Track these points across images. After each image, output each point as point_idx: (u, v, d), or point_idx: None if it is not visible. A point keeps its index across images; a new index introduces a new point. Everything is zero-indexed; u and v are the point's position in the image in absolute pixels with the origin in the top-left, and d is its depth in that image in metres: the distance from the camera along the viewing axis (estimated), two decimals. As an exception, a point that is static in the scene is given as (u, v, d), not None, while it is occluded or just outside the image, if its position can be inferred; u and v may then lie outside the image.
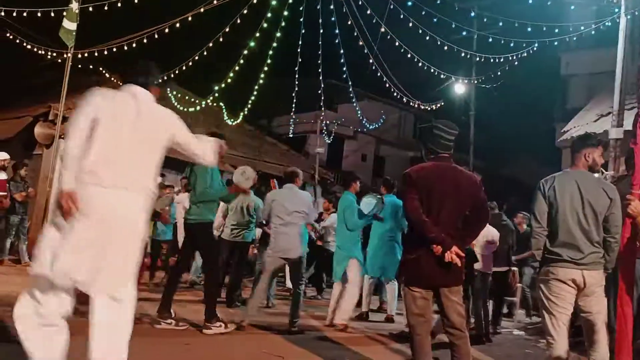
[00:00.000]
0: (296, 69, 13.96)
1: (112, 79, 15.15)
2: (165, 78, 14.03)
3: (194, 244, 5.82)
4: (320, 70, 13.95)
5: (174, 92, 17.20)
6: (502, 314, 7.84)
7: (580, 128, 11.63)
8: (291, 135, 21.24)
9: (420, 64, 11.71)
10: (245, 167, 6.35)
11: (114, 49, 11.10)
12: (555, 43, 10.59)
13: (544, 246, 3.71)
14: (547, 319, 3.67)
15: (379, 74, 12.51)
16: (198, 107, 16.16)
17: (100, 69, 14.18)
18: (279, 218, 5.91)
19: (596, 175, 3.98)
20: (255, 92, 14.60)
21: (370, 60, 12.10)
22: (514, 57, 11.47)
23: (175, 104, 17.08)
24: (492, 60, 12.15)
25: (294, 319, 5.79)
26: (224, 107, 18.09)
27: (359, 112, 18.91)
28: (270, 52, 12.16)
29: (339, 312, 6.29)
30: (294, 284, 6.16)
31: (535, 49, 10.96)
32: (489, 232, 6.42)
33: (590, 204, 3.65)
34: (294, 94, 15.63)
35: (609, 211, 3.63)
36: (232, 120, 17.95)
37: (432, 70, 12.22)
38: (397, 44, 11.09)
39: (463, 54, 11.86)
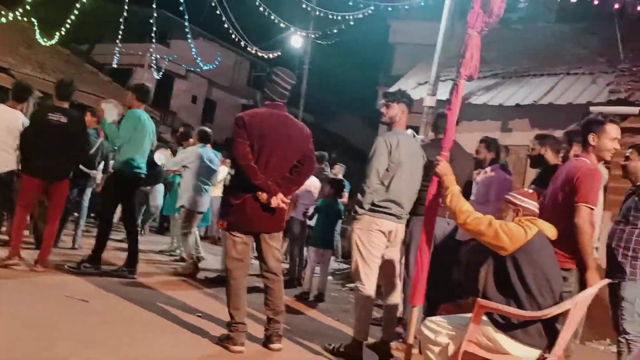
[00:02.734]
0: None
1: None
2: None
3: None
4: (153, -3, 12.90)
5: (-27, -3, 14.65)
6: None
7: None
8: (115, 66, 19.50)
9: (261, 9, 11.47)
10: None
11: None
12: (390, 9, 11.12)
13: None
14: (361, 265, 3.92)
15: (218, 12, 11.99)
16: (4, 20, 13.95)
17: None
18: None
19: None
20: (75, 12, 13.00)
21: (210, -4, 11.51)
22: (350, 17, 11.81)
23: (-26, 11, 14.56)
24: (330, 16, 12.38)
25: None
26: (36, 23, 15.88)
27: (194, 50, 18.04)
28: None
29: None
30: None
31: (370, 11, 11.40)
32: (312, 183, 6.67)
33: (417, 164, 3.98)
34: (121, 20, 14.24)
35: (421, 169, 4.01)
36: (45, 40, 15.89)
37: (272, 18, 12.06)
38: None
39: (304, 6, 11.89)
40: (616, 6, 9.32)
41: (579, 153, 3.65)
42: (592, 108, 7.41)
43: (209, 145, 6.71)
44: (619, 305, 3.78)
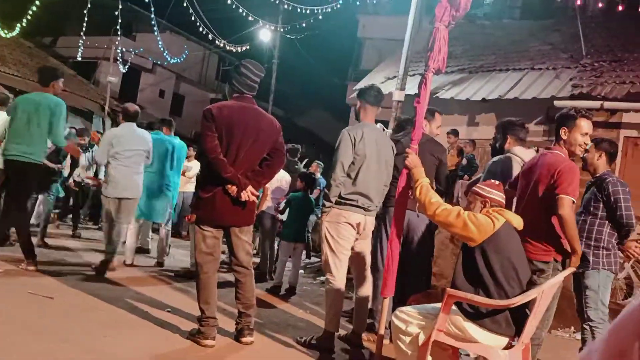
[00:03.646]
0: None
1: None
2: None
3: None
4: (118, -11, 12.62)
5: None
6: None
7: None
8: (79, 59, 19.04)
9: (229, 2, 11.34)
10: None
11: None
12: (358, 3, 11.14)
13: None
14: (331, 258, 3.94)
15: (184, 5, 11.81)
16: (-40, 10, 13.46)
17: None
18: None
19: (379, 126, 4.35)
20: (37, 3, 12.62)
21: (177, -11, 11.33)
22: (319, 11, 11.79)
23: None
24: (298, 10, 12.34)
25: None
26: (-5, 14, 15.37)
27: (160, 43, 17.74)
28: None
29: (129, 252, 6.15)
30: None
31: (339, 6, 11.41)
32: (282, 177, 6.65)
33: (385, 157, 4.00)
34: (85, 12, 13.89)
35: (391, 162, 4.04)
36: (6, 32, 15.38)
37: (240, 11, 11.95)
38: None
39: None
40: (578, 3, 9.56)
41: (550, 146, 3.69)
42: (555, 102, 7.60)
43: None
44: (584, 294, 3.90)
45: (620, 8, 9.45)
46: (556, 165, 3.39)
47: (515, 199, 3.67)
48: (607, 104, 7.34)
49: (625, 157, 7.53)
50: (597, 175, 4.07)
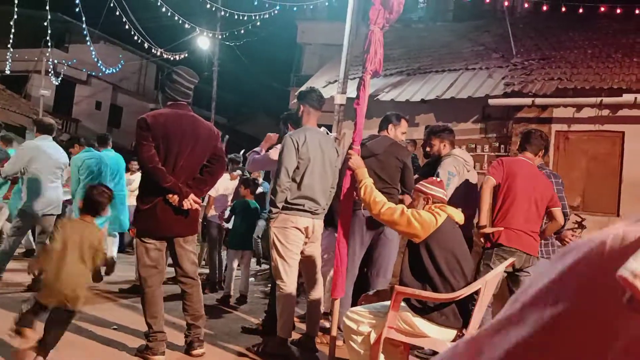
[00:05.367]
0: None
1: None
2: None
3: None
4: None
5: None
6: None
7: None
8: (8, 73, 18.16)
9: (163, 9, 11.12)
10: None
11: None
12: (295, 9, 11.19)
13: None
14: (280, 263, 3.92)
15: (117, 13, 11.50)
16: None
17: None
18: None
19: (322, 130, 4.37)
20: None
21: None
22: (257, 17, 11.76)
23: None
24: (236, 17, 12.26)
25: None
26: None
27: (94, 54, 17.18)
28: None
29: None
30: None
31: (276, 12, 11.41)
32: (225, 185, 6.57)
33: (330, 159, 4.01)
34: (12, 23, 13.26)
35: (336, 164, 4.06)
36: None
37: (176, 18, 11.75)
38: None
39: (208, 6, 11.68)
40: (506, 4, 9.96)
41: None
42: (490, 101, 7.88)
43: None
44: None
45: (545, 8, 9.91)
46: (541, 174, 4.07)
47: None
48: (538, 101, 7.65)
49: (557, 150, 7.88)
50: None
